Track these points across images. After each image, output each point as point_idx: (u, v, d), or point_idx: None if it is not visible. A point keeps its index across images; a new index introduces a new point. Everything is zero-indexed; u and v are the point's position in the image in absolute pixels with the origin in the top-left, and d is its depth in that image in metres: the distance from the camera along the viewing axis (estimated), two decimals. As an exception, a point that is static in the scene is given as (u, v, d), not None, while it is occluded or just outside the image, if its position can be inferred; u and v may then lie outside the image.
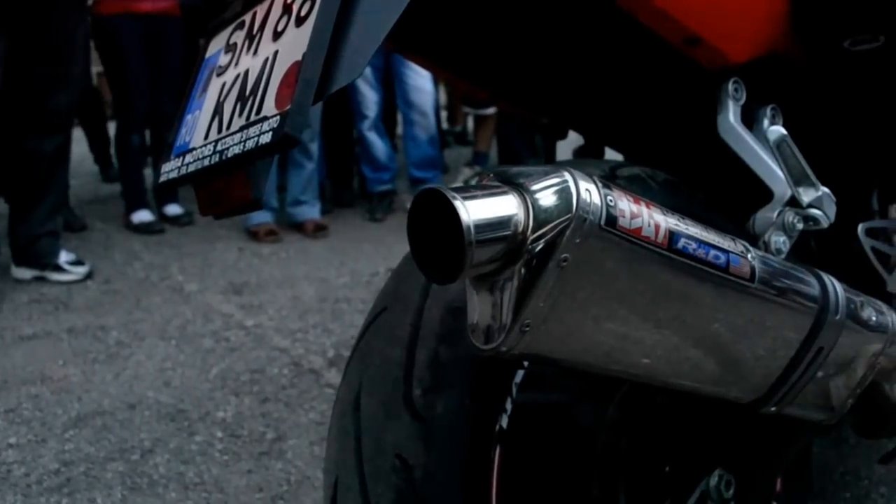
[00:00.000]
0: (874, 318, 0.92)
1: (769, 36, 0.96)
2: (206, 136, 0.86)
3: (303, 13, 0.78)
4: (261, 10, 0.89)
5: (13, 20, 3.08)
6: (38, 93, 3.27)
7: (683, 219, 0.74)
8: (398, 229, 4.50)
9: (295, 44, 0.76)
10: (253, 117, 0.77)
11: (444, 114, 7.31)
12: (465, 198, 0.64)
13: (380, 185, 4.80)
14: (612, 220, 0.67)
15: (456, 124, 7.76)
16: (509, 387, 0.90)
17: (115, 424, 2.21)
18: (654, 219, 0.70)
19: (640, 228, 0.69)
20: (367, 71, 4.39)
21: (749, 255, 0.79)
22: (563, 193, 0.66)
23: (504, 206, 0.66)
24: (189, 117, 0.95)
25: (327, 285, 3.44)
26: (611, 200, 0.67)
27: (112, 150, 5.35)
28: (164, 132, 4.35)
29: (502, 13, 0.99)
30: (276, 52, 0.80)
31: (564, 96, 1.19)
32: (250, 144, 0.75)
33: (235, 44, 0.92)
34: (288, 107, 0.71)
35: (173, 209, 4.62)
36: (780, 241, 0.93)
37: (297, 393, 2.38)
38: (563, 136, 1.34)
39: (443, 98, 7.30)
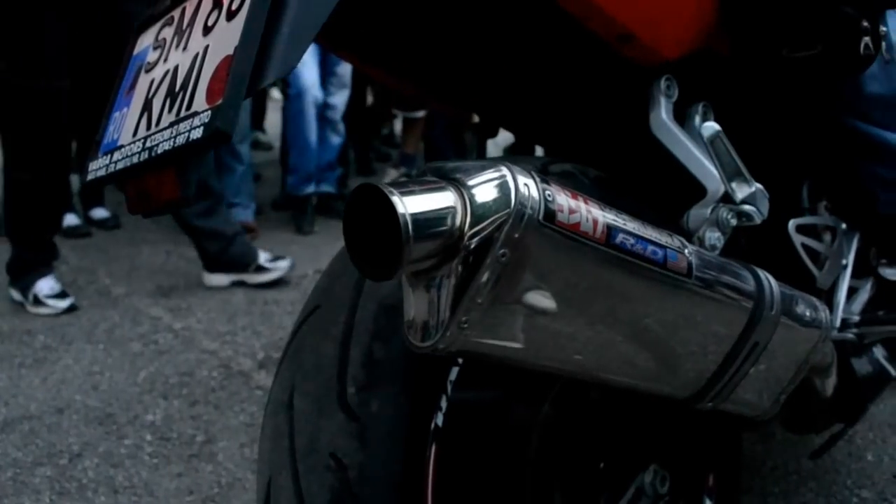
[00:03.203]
0: (808, 314, 0.91)
1: (701, 33, 0.94)
2: (135, 133, 0.81)
3: (234, 7, 0.74)
4: (190, 5, 0.85)
5: None
6: None
7: (621, 214, 0.72)
8: (325, 231, 4.44)
9: (226, 38, 0.73)
10: (183, 113, 0.73)
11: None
12: (402, 193, 0.61)
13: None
14: (550, 214, 0.65)
15: (383, 126, 7.69)
16: (444, 384, 0.87)
17: (42, 429, 2.11)
18: (592, 214, 0.69)
19: (578, 223, 0.67)
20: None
21: (686, 251, 0.78)
22: (502, 188, 0.64)
23: (441, 201, 0.63)
24: (117, 114, 0.90)
25: (256, 288, 3.36)
26: (549, 195, 0.65)
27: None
28: (92, 137, 4.19)
29: (432, 9, 0.97)
30: (206, 47, 0.76)
31: (495, 93, 1.17)
32: (180, 140, 0.71)
33: (164, 39, 0.87)
34: (219, 101, 0.68)
35: (100, 213, 4.47)
36: (714, 237, 0.92)
37: (226, 395, 2.31)
38: (494, 134, 1.32)
39: (370, 101, 7.23)
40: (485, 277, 0.63)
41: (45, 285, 3.11)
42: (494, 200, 0.63)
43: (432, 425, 0.85)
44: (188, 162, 0.72)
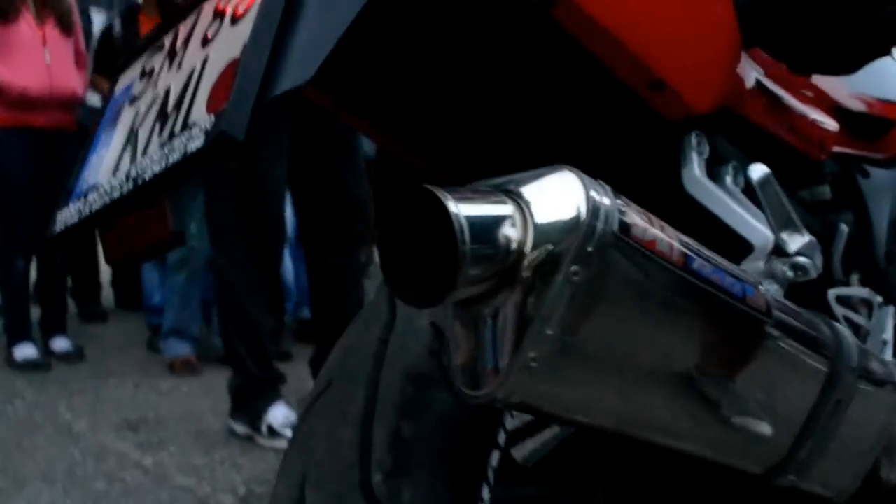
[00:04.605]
0: (883, 372, 0.83)
1: (732, 85, 0.92)
2: (116, 171, 0.74)
3: (239, 11, 0.68)
4: (184, 26, 0.79)
5: None
6: None
7: (692, 241, 0.65)
8: (304, 359, 4.30)
9: (231, 42, 0.66)
10: (178, 131, 0.66)
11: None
12: (458, 199, 0.54)
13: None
14: (626, 227, 0.57)
15: (361, 253, 7.66)
16: (485, 471, 0.77)
17: (-14, 580, 1.95)
18: (666, 234, 0.61)
19: (654, 241, 0.59)
20: None
21: (761, 288, 0.71)
22: (570, 194, 0.56)
23: (500, 209, 0.56)
24: (93, 158, 0.82)
25: (235, 417, 3.23)
26: (622, 206, 0.58)
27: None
28: (54, 257, 4.15)
29: (447, 55, 0.91)
30: (206, 58, 0.69)
31: (511, 155, 1.11)
32: (175, 157, 0.63)
33: (153, 68, 0.81)
34: (224, 105, 0.60)
35: (61, 344, 4.33)
36: (772, 290, 0.85)
37: (203, 535, 2.16)
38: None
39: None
40: (555, 301, 0.54)
41: (279, 413, 2.86)
42: (562, 208, 0.55)
43: (476, 520, 0.75)
44: (185, 186, 0.64)
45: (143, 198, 0.66)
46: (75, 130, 4.01)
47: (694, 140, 0.90)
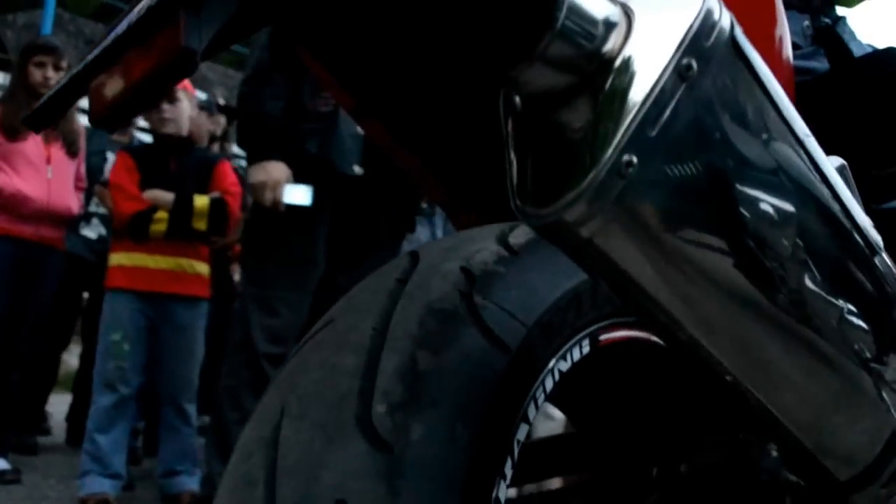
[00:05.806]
0: None
1: None
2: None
3: None
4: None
5: None
6: None
7: None
8: None
9: None
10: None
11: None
12: None
13: None
14: (744, 44, 0.47)
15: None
16: (511, 444, 0.62)
17: None
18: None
19: (772, 80, 0.49)
20: None
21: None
22: None
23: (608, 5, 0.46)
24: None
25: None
26: (739, 29, 0.48)
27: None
28: (7, 378, 3.90)
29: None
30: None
31: None
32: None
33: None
34: None
35: (-2, 463, 4.01)
36: None
37: None
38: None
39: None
40: (663, 95, 0.43)
41: None
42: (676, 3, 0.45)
43: (497, 481, 0.59)
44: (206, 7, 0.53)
45: (155, 19, 0.55)
46: (62, 248, 3.90)
47: None
